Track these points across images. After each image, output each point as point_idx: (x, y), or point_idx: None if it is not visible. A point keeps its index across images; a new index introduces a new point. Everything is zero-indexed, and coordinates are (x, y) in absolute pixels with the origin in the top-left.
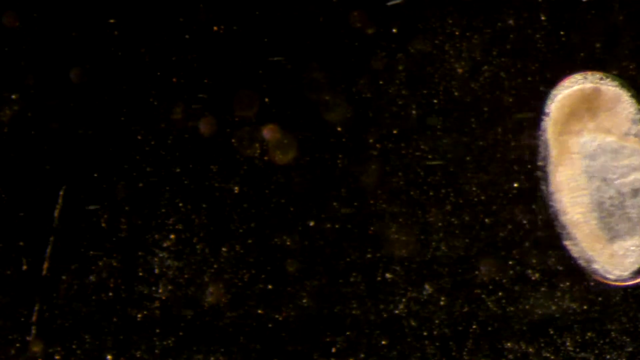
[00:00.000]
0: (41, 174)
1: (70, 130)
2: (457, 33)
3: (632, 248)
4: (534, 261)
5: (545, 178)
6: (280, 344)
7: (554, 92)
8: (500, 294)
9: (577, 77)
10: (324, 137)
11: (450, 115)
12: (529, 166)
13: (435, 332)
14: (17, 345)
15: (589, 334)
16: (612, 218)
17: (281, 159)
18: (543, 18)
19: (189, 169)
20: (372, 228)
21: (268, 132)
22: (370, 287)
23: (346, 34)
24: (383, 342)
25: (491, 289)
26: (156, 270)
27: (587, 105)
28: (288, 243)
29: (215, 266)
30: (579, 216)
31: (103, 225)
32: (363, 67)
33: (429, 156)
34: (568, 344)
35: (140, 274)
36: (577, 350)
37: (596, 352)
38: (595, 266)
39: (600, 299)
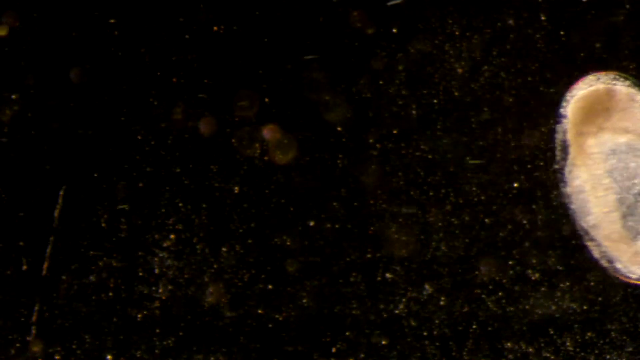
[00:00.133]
0: (41, 174)
1: (70, 130)
2: (457, 33)
3: None
4: (534, 261)
5: (562, 180)
6: (280, 344)
7: (569, 93)
8: (500, 294)
9: (591, 77)
10: (324, 137)
11: (450, 115)
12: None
13: (435, 332)
14: (17, 345)
15: (589, 334)
16: (635, 217)
17: (281, 159)
18: (543, 18)
19: (189, 169)
20: (372, 228)
21: (268, 132)
22: (370, 287)
23: (346, 34)
24: (383, 342)
25: (491, 289)
26: (156, 270)
27: (603, 106)
28: (288, 243)
29: (215, 266)
30: (603, 216)
31: (103, 225)
32: (363, 67)
33: (429, 156)
34: (568, 344)
35: (140, 274)
36: (577, 350)
37: (596, 352)
38: (618, 265)
39: (600, 299)
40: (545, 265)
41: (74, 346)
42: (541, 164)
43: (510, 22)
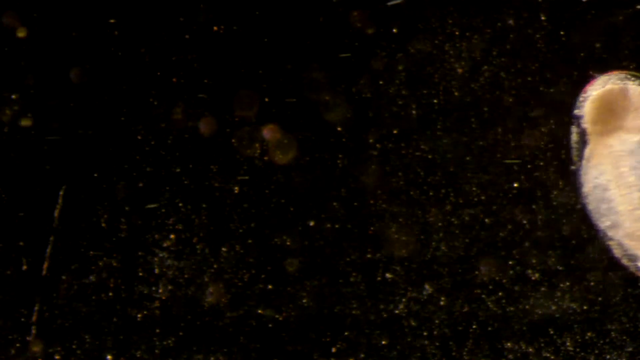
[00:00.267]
0: (41, 174)
1: (70, 130)
2: (457, 33)
3: None
4: (534, 261)
5: (578, 180)
6: (280, 344)
7: (583, 94)
8: (500, 294)
9: (604, 77)
10: (324, 137)
11: (450, 115)
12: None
13: (435, 332)
14: (17, 345)
15: (589, 334)
16: None
17: (281, 159)
18: (543, 18)
19: (189, 169)
20: (372, 228)
21: (268, 132)
22: (370, 287)
23: (346, 34)
24: (383, 342)
25: (491, 289)
26: (156, 270)
27: (619, 105)
28: (288, 243)
29: (215, 266)
30: (627, 213)
31: (103, 225)
32: (363, 67)
33: (429, 156)
34: (568, 344)
35: (140, 274)
36: (577, 350)
37: (596, 352)
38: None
39: (600, 299)
40: (545, 265)
41: (74, 346)
42: (541, 164)
43: (510, 22)
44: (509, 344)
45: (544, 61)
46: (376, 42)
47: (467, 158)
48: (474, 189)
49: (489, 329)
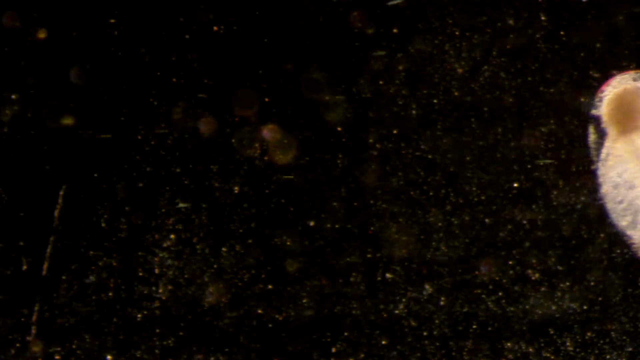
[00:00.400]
0: (41, 174)
1: (70, 130)
2: (457, 33)
3: None
4: (534, 261)
5: (596, 179)
6: (280, 344)
7: (599, 94)
8: (500, 294)
9: (618, 77)
10: (324, 137)
11: (450, 115)
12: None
13: (435, 332)
14: (17, 345)
15: (589, 334)
16: None
17: (281, 159)
18: (543, 18)
19: (189, 169)
20: (372, 228)
21: (268, 132)
22: (370, 287)
23: (346, 34)
24: (383, 342)
25: (491, 289)
26: (156, 270)
27: (636, 105)
28: (288, 243)
29: (215, 266)
30: None
31: (103, 225)
32: (363, 67)
33: (429, 156)
34: (568, 344)
35: (140, 274)
36: (577, 350)
37: (596, 352)
38: None
39: (600, 299)
40: (545, 265)
41: (74, 346)
42: (541, 164)
43: (510, 22)
44: (509, 344)
45: (544, 61)
46: (376, 42)
47: (467, 158)
48: (474, 189)
49: (489, 329)
